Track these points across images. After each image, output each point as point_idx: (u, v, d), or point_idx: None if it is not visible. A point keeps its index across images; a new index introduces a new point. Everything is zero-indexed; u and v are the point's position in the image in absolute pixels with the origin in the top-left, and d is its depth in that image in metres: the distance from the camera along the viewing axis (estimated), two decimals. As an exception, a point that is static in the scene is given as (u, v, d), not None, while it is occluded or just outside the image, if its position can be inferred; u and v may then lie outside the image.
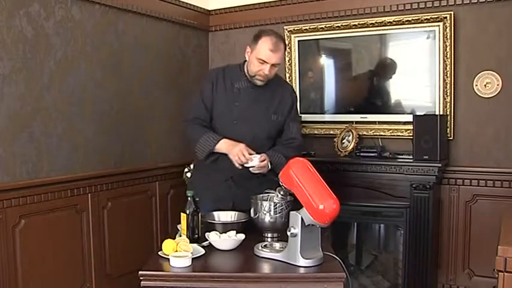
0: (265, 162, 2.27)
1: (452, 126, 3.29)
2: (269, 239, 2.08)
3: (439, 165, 3.04)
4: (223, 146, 2.30)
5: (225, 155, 2.31)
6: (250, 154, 2.25)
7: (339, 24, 3.56)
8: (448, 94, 3.26)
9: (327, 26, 3.61)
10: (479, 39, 3.22)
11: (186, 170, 3.67)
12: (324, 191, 1.76)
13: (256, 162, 2.24)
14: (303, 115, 3.59)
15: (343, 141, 3.52)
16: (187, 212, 2.01)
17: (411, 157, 3.16)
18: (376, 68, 3.53)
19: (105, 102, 3.22)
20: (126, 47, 3.37)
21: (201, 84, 2.48)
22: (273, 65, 2.29)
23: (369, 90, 3.60)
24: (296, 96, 2.59)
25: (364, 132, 3.54)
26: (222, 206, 2.30)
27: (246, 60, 2.41)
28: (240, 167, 2.27)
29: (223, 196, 2.37)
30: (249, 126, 2.37)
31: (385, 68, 3.48)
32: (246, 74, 2.38)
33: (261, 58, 2.26)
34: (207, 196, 2.41)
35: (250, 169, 2.27)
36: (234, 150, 2.25)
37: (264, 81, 2.34)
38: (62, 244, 2.92)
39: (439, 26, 3.23)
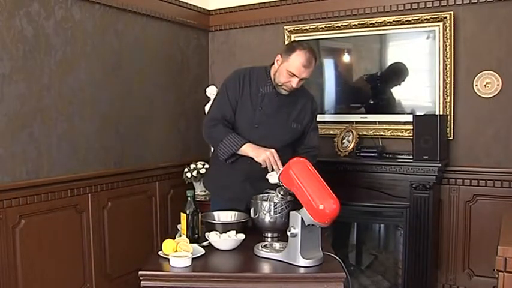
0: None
1: (452, 126, 3.29)
2: (269, 239, 2.07)
3: (439, 165, 3.04)
4: (249, 149, 2.24)
5: (245, 156, 2.27)
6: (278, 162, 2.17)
7: (339, 24, 3.57)
8: (448, 94, 3.26)
9: (327, 26, 3.62)
10: (479, 39, 3.22)
11: (186, 170, 3.67)
12: (324, 191, 1.76)
13: (275, 179, 2.12)
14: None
15: (343, 141, 3.52)
16: (187, 212, 2.01)
17: (411, 157, 3.16)
18: (386, 72, 3.49)
19: (105, 102, 3.22)
20: (126, 47, 3.37)
21: (226, 83, 2.42)
22: (301, 79, 2.29)
23: (368, 90, 3.59)
24: (317, 106, 2.59)
25: (364, 132, 3.54)
26: (237, 205, 2.29)
27: (272, 64, 2.39)
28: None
29: (240, 196, 2.35)
30: (268, 131, 2.36)
31: (398, 73, 3.44)
32: (272, 79, 2.37)
33: (291, 71, 2.25)
34: (223, 195, 2.42)
35: (269, 180, 2.18)
36: (263, 155, 2.18)
37: (288, 91, 2.35)
38: (62, 244, 2.92)
39: (439, 26, 3.23)
